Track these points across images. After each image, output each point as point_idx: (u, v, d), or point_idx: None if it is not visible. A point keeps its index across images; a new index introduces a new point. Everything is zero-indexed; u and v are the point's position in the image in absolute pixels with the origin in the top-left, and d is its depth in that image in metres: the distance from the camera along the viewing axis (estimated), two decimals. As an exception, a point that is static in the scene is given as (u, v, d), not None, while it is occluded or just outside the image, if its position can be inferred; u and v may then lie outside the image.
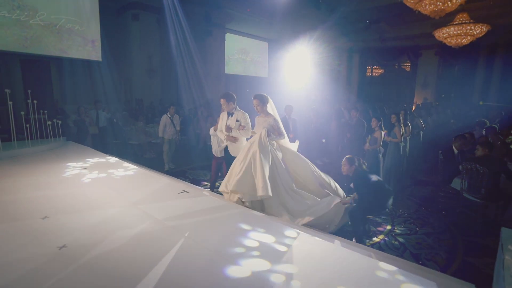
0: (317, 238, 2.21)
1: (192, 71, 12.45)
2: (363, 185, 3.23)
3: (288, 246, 2.09)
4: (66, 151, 5.06)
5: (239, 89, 14.81)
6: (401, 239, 3.44)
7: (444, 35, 11.23)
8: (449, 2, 8.47)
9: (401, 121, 5.02)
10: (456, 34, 11.28)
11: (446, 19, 10.13)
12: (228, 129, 3.72)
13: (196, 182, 5.60)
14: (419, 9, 9.18)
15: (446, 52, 14.29)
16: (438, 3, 8.67)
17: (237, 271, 1.81)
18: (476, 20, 10.87)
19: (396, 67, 17.46)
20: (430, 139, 6.27)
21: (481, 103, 4.61)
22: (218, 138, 4.15)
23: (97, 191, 3.24)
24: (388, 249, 3.23)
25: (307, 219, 3.14)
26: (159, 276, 1.71)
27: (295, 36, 14.06)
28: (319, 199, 3.43)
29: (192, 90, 12.88)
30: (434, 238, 3.52)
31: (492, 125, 5.80)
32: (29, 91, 4.80)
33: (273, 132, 3.52)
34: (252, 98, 3.61)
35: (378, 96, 17.60)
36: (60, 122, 5.19)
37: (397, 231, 3.64)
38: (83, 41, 9.78)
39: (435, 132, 6.80)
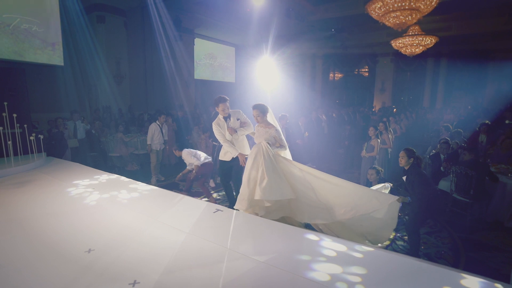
0: (366, 247, 2.34)
1: (162, 76, 12.04)
2: (419, 184, 3.14)
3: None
4: (56, 168, 4.59)
5: (208, 94, 14.63)
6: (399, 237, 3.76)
7: (400, 45, 12.35)
8: (409, 17, 9.28)
9: (388, 128, 5.44)
10: (410, 44, 12.45)
11: (401, 30, 11.04)
12: (233, 131, 3.68)
13: (194, 194, 5.46)
14: (384, 22, 9.96)
15: (400, 59, 15.73)
16: (401, 17, 9.44)
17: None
18: (426, 32, 12.10)
19: (356, 72, 18.65)
20: (407, 143, 6.84)
21: (507, 121, 5.02)
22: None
23: (127, 217, 2.96)
24: (401, 251, 3.51)
25: (350, 214, 2.90)
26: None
27: (262, 41, 14.32)
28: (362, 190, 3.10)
29: (161, 96, 12.45)
30: (436, 237, 3.89)
31: (458, 129, 6.52)
32: (5, 103, 4.28)
33: (275, 143, 3.40)
34: (252, 108, 3.46)
35: (340, 100, 18.68)
36: (41, 136, 4.69)
37: (400, 233, 3.94)
38: (42, 44, 8.93)
39: (409, 136, 7.43)
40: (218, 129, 3.70)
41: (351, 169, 6.93)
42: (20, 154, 4.58)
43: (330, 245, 2.33)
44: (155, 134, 6.01)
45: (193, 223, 2.80)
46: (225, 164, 3.80)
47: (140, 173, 6.72)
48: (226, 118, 3.70)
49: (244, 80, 16.63)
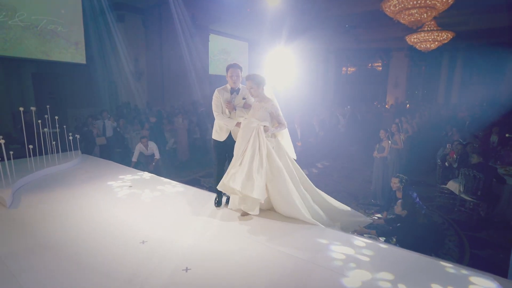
0: (382, 245, 2.64)
1: (178, 72, 12.39)
2: (413, 213, 3.43)
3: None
4: (93, 166, 5.04)
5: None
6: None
7: (415, 40, 12.31)
8: (424, 14, 9.30)
9: (400, 129, 5.66)
10: (426, 40, 12.39)
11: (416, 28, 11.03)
12: (232, 107, 3.13)
13: (213, 190, 5.83)
14: (399, 19, 10.00)
15: (414, 54, 15.59)
16: (416, 14, 9.46)
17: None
18: (442, 27, 12.00)
19: (369, 66, 18.56)
20: (419, 143, 7.01)
21: (507, 135, 5.02)
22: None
23: (171, 212, 3.33)
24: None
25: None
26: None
27: (275, 37, 14.45)
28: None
29: (178, 92, 12.82)
30: (442, 234, 4.15)
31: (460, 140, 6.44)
32: (47, 106, 4.72)
33: (271, 121, 3.05)
34: (245, 79, 3.05)
35: (353, 95, 18.67)
36: (78, 136, 5.12)
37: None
38: (66, 43, 9.38)
39: (422, 135, 7.57)
40: (218, 99, 3.14)
41: (363, 168, 7.16)
42: (58, 152, 5.02)
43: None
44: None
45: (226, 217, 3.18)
46: (219, 145, 3.30)
47: (164, 170, 7.14)
48: (233, 90, 3.15)
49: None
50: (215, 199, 3.42)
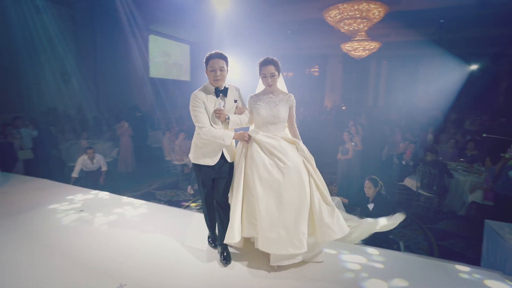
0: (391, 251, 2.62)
1: (115, 74, 11.21)
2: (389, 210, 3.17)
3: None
4: (16, 187, 4.05)
5: (163, 93, 14.09)
6: (390, 236, 4.19)
7: (349, 48, 13.38)
8: (361, 25, 10.16)
9: (358, 131, 5.93)
10: (357, 48, 13.58)
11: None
12: (223, 114, 2.29)
13: (174, 204, 5.30)
14: (339, 28, 10.73)
15: (347, 61, 16.97)
16: (354, 24, 10.26)
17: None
18: (371, 37, 13.28)
19: (307, 72, 19.57)
20: (368, 143, 7.47)
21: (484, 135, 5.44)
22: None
23: (151, 241, 2.73)
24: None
25: None
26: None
27: (219, 40, 14.24)
28: None
29: (115, 96, 11.58)
30: (409, 229, 4.42)
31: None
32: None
33: (292, 118, 2.47)
34: (263, 64, 2.32)
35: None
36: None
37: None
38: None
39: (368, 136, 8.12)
40: (199, 104, 2.22)
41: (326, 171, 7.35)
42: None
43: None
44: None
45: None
46: (206, 172, 2.32)
47: (109, 184, 6.26)
48: (219, 91, 2.29)
49: (199, 78, 16.30)
50: (209, 239, 2.64)
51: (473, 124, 8.48)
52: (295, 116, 2.50)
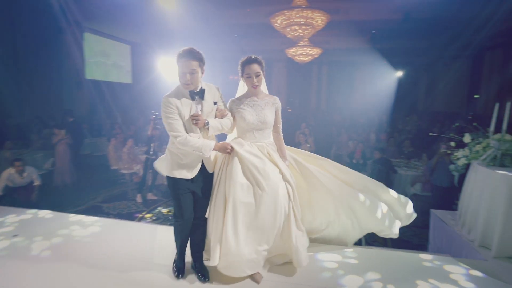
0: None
1: (43, 76, 9.96)
2: None
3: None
4: None
5: (103, 97, 13.01)
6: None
7: (293, 53, 14.03)
8: (306, 31, 10.74)
9: (311, 132, 6.18)
10: (301, 54, 14.29)
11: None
12: (201, 120, 2.04)
13: (126, 216, 4.87)
14: (285, 33, 11.17)
15: (291, 66, 17.72)
16: (299, 30, 10.79)
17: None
18: (313, 43, 14.09)
19: (254, 76, 19.91)
20: (318, 143, 7.86)
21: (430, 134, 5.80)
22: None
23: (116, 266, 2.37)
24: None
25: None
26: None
27: (163, 41, 13.74)
28: None
29: (44, 100, 10.27)
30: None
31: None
32: None
33: (278, 123, 2.34)
34: (247, 62, 2.22)
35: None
36: None
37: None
38: None
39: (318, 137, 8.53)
40: (172, 110, 1.97)
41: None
42: None
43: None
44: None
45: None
46: (183, 187, 2.05)
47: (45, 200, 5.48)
48: (194, 93, 2.04)
49: (142, 80, 15.46)
50: (174, 266, 2.27)
51: (407, 123, 9.52)
52: (281, 123, 2.35)
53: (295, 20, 10.24)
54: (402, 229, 4.33)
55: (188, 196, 2.09)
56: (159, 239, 2.79)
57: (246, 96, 2.28)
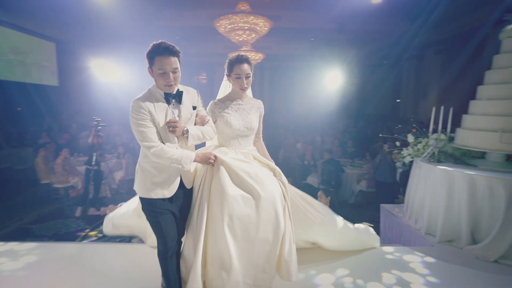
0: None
1: None
2: None
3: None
4: None
5: (22, 100, 11.40)
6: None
7: (235, 58, 14.26)
8: (250, 36, 11.01)
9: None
10: (244, 58, 14.62)
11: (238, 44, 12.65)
12: (179, 127, 1.77)
13: (65, 237, 4.27)
14: (229, 38, 11.25)
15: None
16: (244, 35, 11.01)
17: None
18: (256, 49, 14.45)
19: (196, 80, 19.53)
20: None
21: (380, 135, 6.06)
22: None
23: None
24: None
25: None
26: None
27: (93, 40, 12.67)
28: None
29: None
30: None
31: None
32: None
33: (260, 129, 2.25)
34: (239, 61, 1.96)
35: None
36: None
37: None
38: None
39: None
40: (144, 116, 1.67)
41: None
42: None
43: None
44: None
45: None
46: (162, 208, 1.75)
47: None
48: (170, 96, 1.75)
49: (71, 83, 13.93)
50: None
51: (347, 126, 10.29)
52: (262, 128, 2.21)
53: (239, 24, 10.36)
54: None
55: (169, 217, 1.76)
56: (113, 263, 2.47)
57: (229, 98, 2.07)
